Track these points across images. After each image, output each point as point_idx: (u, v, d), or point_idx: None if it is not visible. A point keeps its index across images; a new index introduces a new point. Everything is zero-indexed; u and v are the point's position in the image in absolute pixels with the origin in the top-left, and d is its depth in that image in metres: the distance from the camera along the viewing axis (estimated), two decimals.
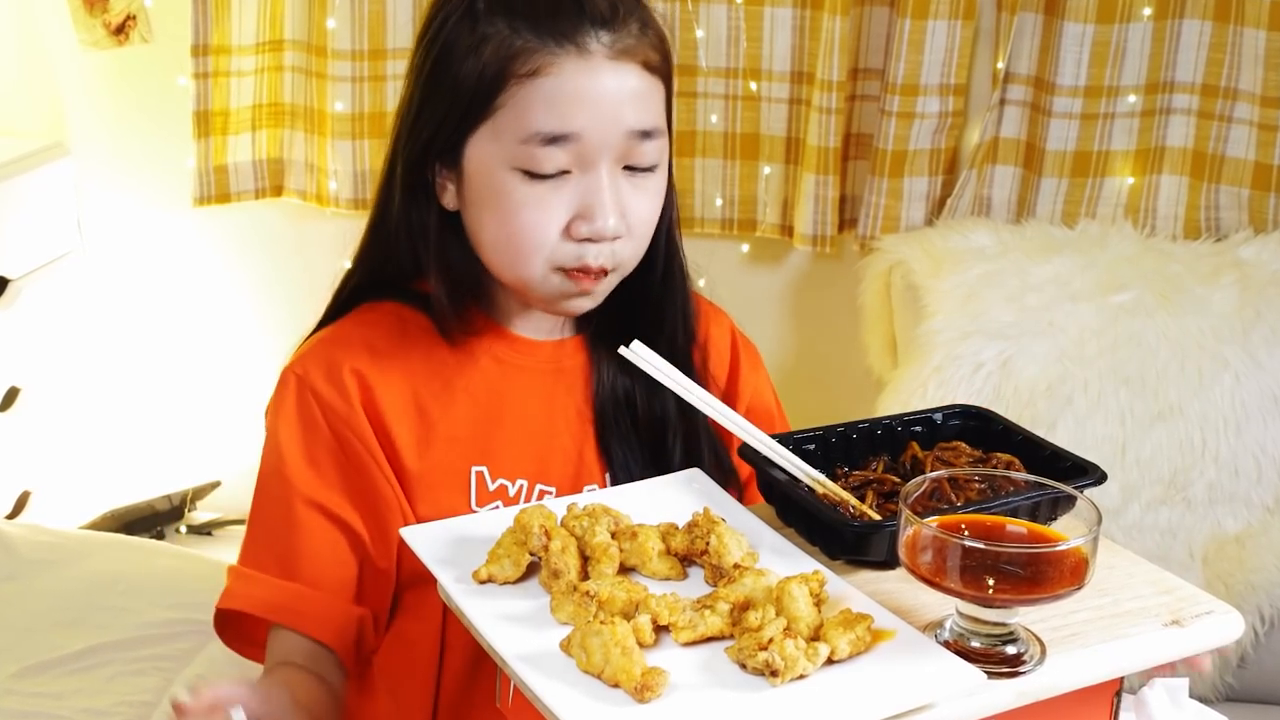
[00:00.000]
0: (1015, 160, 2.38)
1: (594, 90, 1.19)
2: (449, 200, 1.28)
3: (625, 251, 1.26)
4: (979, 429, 1.20)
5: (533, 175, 1.21)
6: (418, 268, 1.30)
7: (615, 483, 1.32)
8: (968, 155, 2.40)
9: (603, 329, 1.35)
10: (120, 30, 2.53)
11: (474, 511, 1.27)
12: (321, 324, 1.36)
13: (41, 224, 2.63)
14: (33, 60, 2.66)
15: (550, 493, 1.31)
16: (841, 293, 2.48)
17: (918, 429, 1.20)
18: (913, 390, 2.14)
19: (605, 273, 1.25)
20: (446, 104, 1.23)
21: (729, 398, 1.41)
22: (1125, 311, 2.13)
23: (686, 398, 1.14)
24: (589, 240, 1.23)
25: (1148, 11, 2.27)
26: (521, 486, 1.30)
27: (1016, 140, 2.37)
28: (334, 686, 1.27)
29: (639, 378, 1.26)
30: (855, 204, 2.46)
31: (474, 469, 1.29)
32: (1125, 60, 2.29)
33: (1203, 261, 2.21)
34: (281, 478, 1.26)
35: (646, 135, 1.23)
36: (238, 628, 1.31)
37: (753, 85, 2.42)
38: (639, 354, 1.13)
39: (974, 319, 2.15)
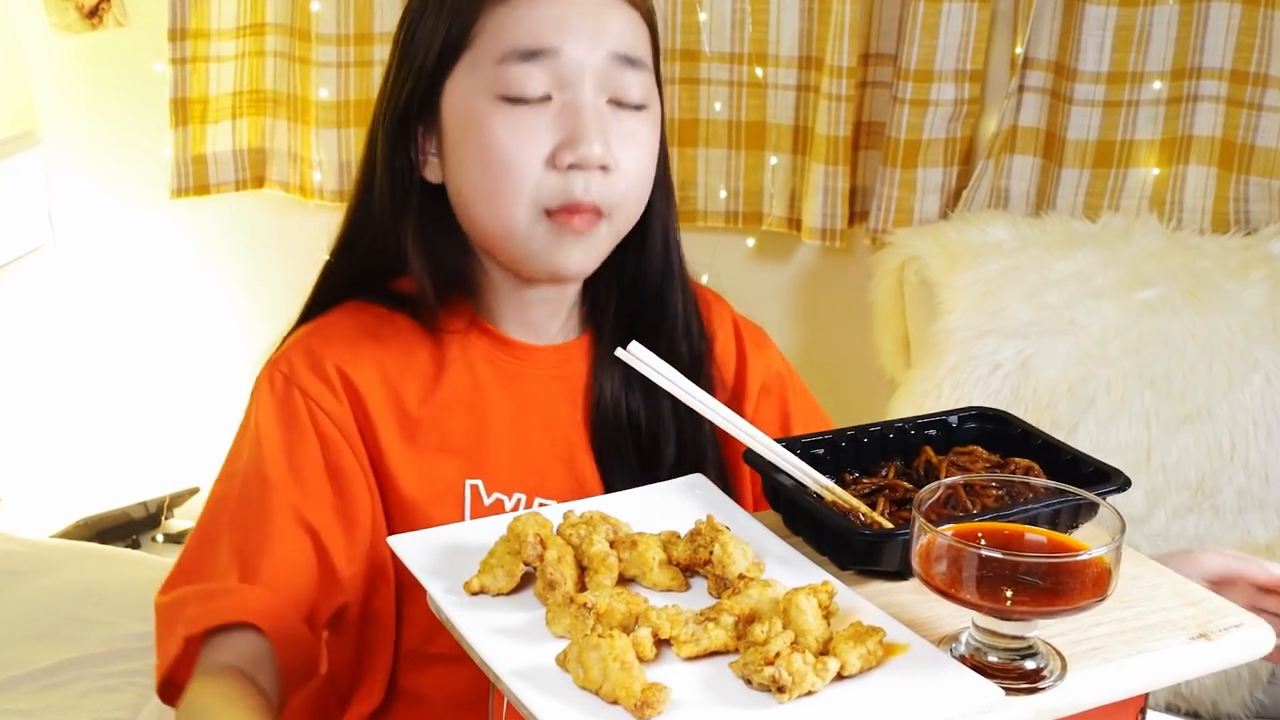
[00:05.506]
0: (1034, 150, 2.38)
1: (572, 6, 1.22)
2: (433, 172, 1.28)
3: (616, 191, 1.24)
4: (996, 432, 1.19)
5: (513, 100, 1.21)
6: (402, 261, 1.29)
7: None
8: (984, 145, 2.41)
9: (605, 334, 1.35)
10: (94, 13, 2.55)
11: None
12: (301, 320, 1.35)
13: (10, 217, 2.64)
14: (1, 44, 2.66)
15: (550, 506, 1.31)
16: (852, 289, 2.48)
17: (932, 432, 1.19)
18: (927, 392, 2.15)
19: (597, 213, 1.24)
20: (422, 54, 1.25)
21: (740, 382, 1.42)
22: (1150, 309, 2.13)
23: (687, 401, 1.11)
24: (575, 168, 1.21)
25: None
26: (519, 500, 1.28)
27: (1036, 129, 2.37)
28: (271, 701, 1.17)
29: (639, 389, 1.29)
30: (866, 196, 2.46)
31: (468, 482, 1.28)
32: (1150, 45, 2.28)
33: (1232, 256, 2.21)
34: (262, 480, 1.23)
35: (630, 63, 1.24)
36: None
37: (759, 71, 2.42)
38: (637, 355, 1.10)
39: (991, 317, 2.15)
